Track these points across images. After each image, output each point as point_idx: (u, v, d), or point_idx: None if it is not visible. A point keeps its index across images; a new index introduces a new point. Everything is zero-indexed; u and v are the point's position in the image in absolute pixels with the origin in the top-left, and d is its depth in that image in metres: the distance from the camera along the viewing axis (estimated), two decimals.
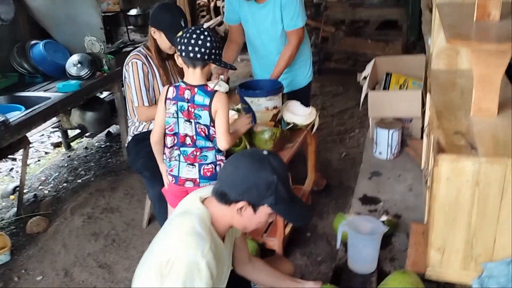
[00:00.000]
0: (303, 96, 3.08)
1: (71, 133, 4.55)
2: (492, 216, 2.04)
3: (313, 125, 2.95)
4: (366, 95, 3.87)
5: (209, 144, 2.20)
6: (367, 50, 6.24)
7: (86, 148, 4.55)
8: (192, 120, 2.17)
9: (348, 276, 2.36)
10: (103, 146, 4.57)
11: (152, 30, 2.59)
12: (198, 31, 2.07)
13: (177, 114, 2.17)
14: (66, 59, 3.68)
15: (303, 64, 3.21)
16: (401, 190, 3.25)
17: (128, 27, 4.82)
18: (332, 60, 6.46)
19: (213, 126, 2.17)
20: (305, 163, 3.28)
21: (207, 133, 2.18)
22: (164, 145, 2.29)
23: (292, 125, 2.76)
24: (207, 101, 2.12)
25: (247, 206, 1.52)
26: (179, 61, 2.15)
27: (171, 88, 2.19)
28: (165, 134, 2.26)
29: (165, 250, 1.52)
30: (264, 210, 1.53)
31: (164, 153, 2.31)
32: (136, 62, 2.61)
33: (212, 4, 7.51)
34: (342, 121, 4.74)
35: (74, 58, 3.63)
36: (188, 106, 2.15)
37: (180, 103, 2.16)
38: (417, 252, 2.46)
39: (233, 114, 2.61)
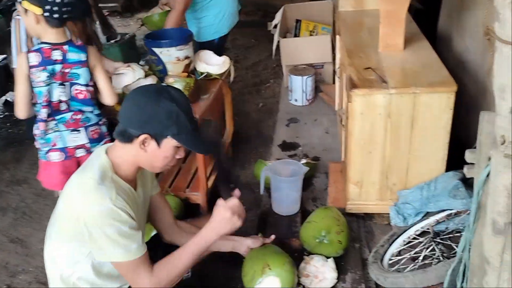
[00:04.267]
0: (212, 49, 2.96)
1: None
2: (404, 146, 2.14)
3: (229, 75, 2.88)
4: (278, 43, 3.87)
5: (86, 108, 2.04)
6: (276, 1, 6.20)
7: None
8: (67, 83, 1.97)
9: (273, 219, 2.39)
10: (1, 116, 4.18)
11: None
12: None
13: (49, 80, 1.94)
14: None
15: (210, 17, 3.09)
16: (318, 134, 3.34)
17: None
18: (242, 12, 6.35)
19: (92, 85, 2.02)
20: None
21: (86, 95, 2.01)
22: (38, 120, 2.02)
23: (205, 74, 2.67)
24: (83, 56, 1.96)
25: (150, 139, 1.45)
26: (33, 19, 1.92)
27: (32, 55, 1.91)
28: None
29: (74, 214, 1.43)
30: (169, 143, 1.46)
31: (37, 129, 2.04)
32: (19, 19, 2.34)
33: None
34: (256, 73, 4.71)
35: None
36: (62, 67, 1.94)
37: (50, 67, 1.92)
38: (337, 189, 2.54)
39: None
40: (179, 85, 2.42)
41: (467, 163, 1.47)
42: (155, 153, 1.48)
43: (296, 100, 3.71)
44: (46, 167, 2.13)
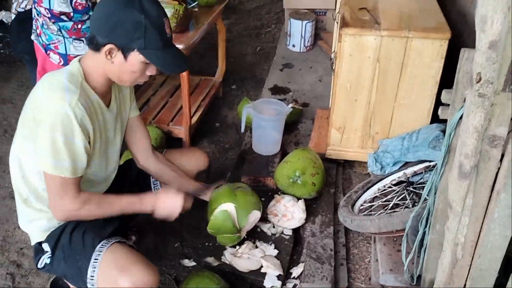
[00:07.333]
0: None
1: None
2: (391, 93, 2.07)
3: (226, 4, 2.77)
4: None
5: (86, 16, 2.02)
6: None
7: None
8: None
9: (252, 158, 2.35)
10: None
11: None
12: None
13: None
14: None
15: None
16: (311, 81, 3.25)
17: None
18: None
19: None
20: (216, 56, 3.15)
21: (86, 4, 1.98)
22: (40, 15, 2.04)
23: (197, 2, 2.57)
24: None
25: (116, 50, 1.38)
26: None
27: None
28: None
29: (32, 108, 1.40)
30: (136, 57, 1.39)
31: (43, 23, 2.06)
32: None
33: None
34: (259, 17, 4.56)
35: None
36: None
37: None
38: (320, 135, 2.49)
39: None
40: (167, 12, 2.33)
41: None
42: (122, 66, 1.41)
43: (294, 46, 3.60)
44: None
